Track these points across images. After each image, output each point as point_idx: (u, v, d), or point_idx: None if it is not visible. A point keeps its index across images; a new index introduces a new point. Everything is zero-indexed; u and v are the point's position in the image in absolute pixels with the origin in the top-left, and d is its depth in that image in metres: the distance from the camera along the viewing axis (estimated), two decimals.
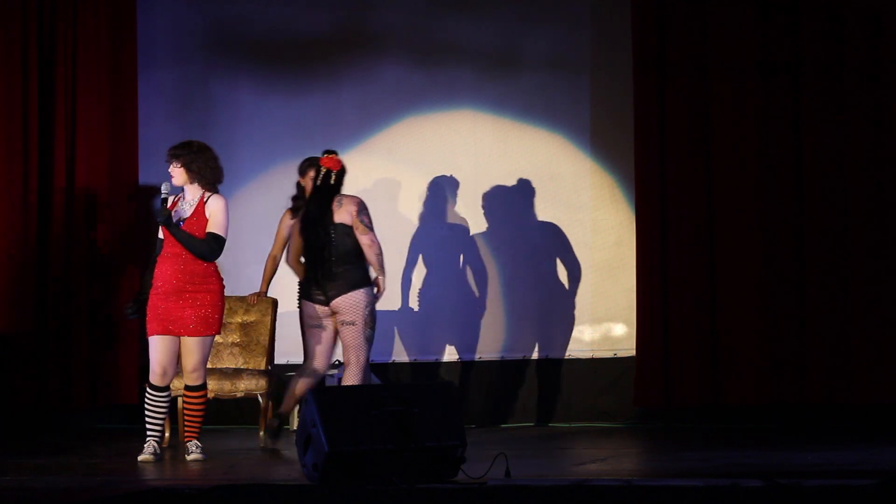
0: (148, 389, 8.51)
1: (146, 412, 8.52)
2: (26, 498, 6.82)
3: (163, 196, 8.37)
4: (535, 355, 10.65)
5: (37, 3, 10.80)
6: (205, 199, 8.48)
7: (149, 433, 8.51)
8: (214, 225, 8.46)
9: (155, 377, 8.46)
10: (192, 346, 8.45)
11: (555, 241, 10.65)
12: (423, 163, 10.87)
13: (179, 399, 8.96)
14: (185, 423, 8.64)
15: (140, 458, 8.43)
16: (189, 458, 8.49)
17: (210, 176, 8.48)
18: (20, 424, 10.66)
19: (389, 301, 10.83)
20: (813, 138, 9.97)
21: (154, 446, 8.48)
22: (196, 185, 8.47)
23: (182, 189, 8.51)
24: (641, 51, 10.26)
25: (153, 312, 8.44)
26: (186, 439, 8.60)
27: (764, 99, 10.07)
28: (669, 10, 10.21)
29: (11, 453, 9.10)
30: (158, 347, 8.43)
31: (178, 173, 8.45)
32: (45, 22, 10.82)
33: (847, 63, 9.93)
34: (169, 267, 8.43)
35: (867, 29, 9.91)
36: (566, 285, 10.62)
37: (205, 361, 8.55)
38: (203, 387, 8.57)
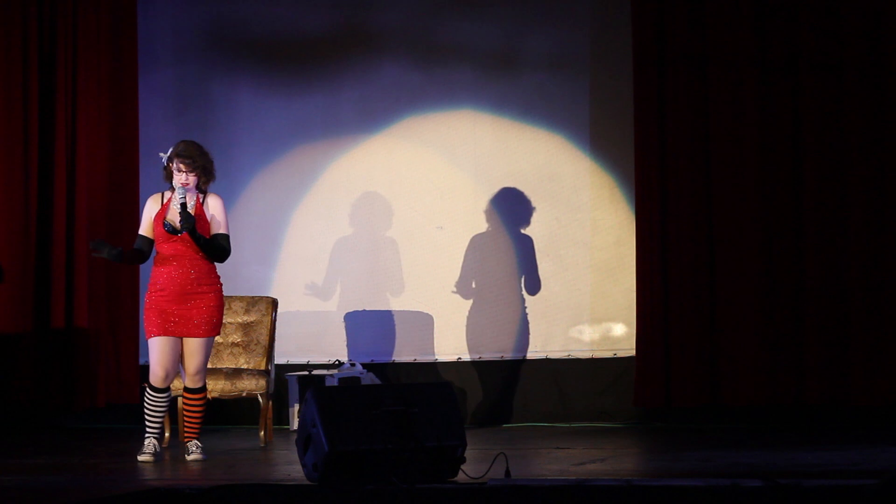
0: (148, 391, 8.49)
1: (147, 413, 8.50)
2: (26, 498, 6.82)
3: (181, 201, 8.31)
4: (535, 355, 10.65)
5: (37, 3, 10.80)
6: (201, 201, 8.46)
7: (148, 433, 8.50)
8: (222, 225, 8.44)
9: (157, 379, 8.44)
10: (197, 347, 8.43)
11: (554, 241, 10.65)
12: (422, 163, 10.86)
13: (179, 399, 8.95)
14: (185, 423, 8.63)
15: (140, 457, 8.42)
16: (189, 458, 8.49)
17: (211, 177, 8.49)
18: (20, 424, 10.66)
19: (389, 301, 10.83)
20: (813, 137, 9.97)
21: (154, 445, 8.47)
22: (195, 187, 8.44)
23: (171, 192, 8.45)
24: (641, 51, 10.26)
25: (156, 314, 8.38)
26: (186, 439, 8.59)
27: (764, 98, 10.07)
28: (669, 9, 10.21)
29: (11, 453, 9.10)
30: (161, 349, 8.40)
31: (193, 179, 8.40)
32: (46, 22, 10.82)
33: (847, 61, 9.93)
34: (176, 270, 8.37)
35: (867, 27, 9.91)
36: (565, 285, 10.62)
37: (207, 363, 8.54)
38: (204, 388, 8.56)
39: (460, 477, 6.86)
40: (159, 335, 8.38)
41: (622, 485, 6.39)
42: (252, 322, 9.85)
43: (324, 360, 10.74)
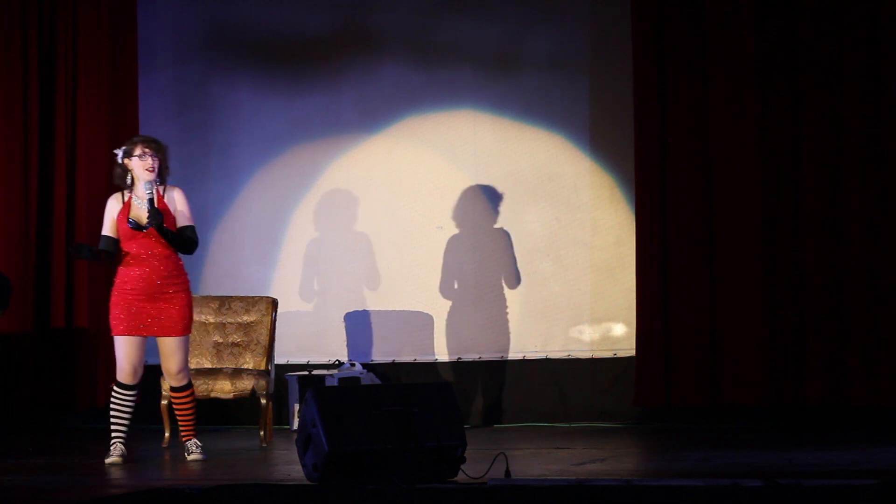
0: (117, 389, 8.42)
1: (115, 412, 8.43)
2: (26, 497, 6.83)
3: (148, 196, 8.30)
4: (534, 355, 10.65)
5: (37, 3, 10.80)
6: (162, 194, 8.43)
7: (114, 435, 8.42)
8: (187, 217, 8.42)
9: (126, 376, 8.39)
10: (176, 346, 8.41)
11: (554, 241, 10.65)
12: (423, 163, 10.86)
13: (171, 400, 8.94)
14: (180, 423, 8.62)
15: (108, 460, 8.34)
16: (189, 457, 8.48)
17: (167, 169, 8.48)
18: (20, 424, 10.66)
19: (389, 301, 10.83)
20: (813, 138, 9.97)
21: (121, 448, 8.39)
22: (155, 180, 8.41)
23: (131, 187, 8.43)
24: (641, 51, 10.26)
25: (123, 312, 8.34)
26: (185, 439, 8.58)
27: (764, 98, 10.07)
28: (669, 10, 10.22)
29: (11, 453, 9.10)
30: (129, 347, 8.37)
31: (156, 163, 8.39)
32: (46, 22, 10.82)
33: (847, 62, 9.93)
34: (145, 269, 8.33)
35: (867, 27, 9.92)
36: (565, 285, 10.62)
37: (187, 359, 8.52)
38: (189, 385, 8.56)
39: (460, 477, 6.86)
40: (127, 334, 8.37)
41: (622, 485, 6.39)
42: (252, 322, 9.85)
43: (324, 360, 10.74)
